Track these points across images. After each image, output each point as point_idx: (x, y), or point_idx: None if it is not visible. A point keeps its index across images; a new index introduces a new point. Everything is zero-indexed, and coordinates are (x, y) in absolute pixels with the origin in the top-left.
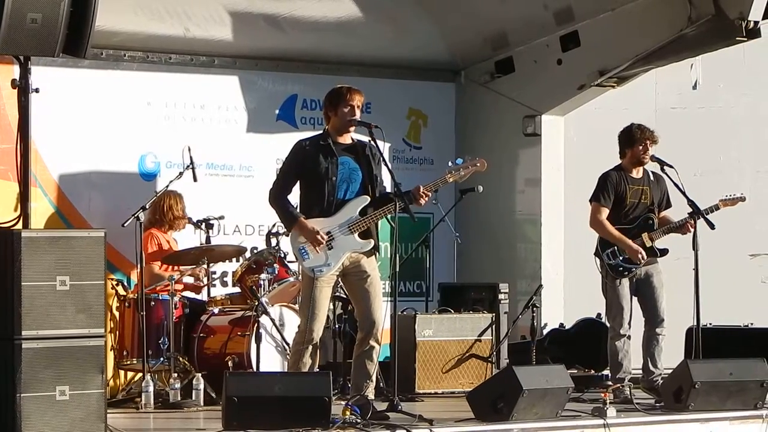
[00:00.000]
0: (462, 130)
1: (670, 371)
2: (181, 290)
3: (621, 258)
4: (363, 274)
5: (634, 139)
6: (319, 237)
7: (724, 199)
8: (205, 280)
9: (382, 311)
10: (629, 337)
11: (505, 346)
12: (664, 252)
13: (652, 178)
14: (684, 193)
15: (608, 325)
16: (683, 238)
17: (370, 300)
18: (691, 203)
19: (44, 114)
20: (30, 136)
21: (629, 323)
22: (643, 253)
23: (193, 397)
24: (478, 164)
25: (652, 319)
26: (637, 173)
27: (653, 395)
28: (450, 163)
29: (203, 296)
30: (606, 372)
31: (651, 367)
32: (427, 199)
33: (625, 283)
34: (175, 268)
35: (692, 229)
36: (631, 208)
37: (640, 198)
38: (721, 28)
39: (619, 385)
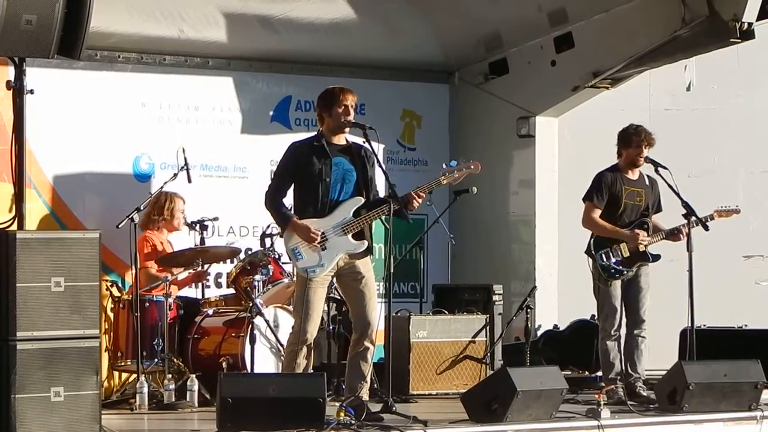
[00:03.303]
0: (456, 131)
1: (664, 372)
2: (185, 283)
3: (614, 260)
4: (357, 275)
5: (629, 141)
6: (312, 234)
7: (719, 210)
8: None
9: (377, 312)
10: (621, 337)
11: (499, 348)
12: (656, 258)
13: (647, 181)
14: (678, 195)
15: (599, 325)
16: None
17: (364, 301)
18: (685, 204)
19: (39, 115)
20: (25, 137)
21: (620, 324)
22: (643, 234)
23: (188, 398)
24: (472, 167)
25: (633, 319)
26: (632, 174)
27: (634, 399)
28: (444, 165)
29: (197, 294)
30: (600, 373)
31: (629, 370)
32: (420, 201)
33: (617, 284)
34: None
35: (684, 237)
36: (626, 209)
37: (635, 200)
38: (715, 30)
39: (612, 386)
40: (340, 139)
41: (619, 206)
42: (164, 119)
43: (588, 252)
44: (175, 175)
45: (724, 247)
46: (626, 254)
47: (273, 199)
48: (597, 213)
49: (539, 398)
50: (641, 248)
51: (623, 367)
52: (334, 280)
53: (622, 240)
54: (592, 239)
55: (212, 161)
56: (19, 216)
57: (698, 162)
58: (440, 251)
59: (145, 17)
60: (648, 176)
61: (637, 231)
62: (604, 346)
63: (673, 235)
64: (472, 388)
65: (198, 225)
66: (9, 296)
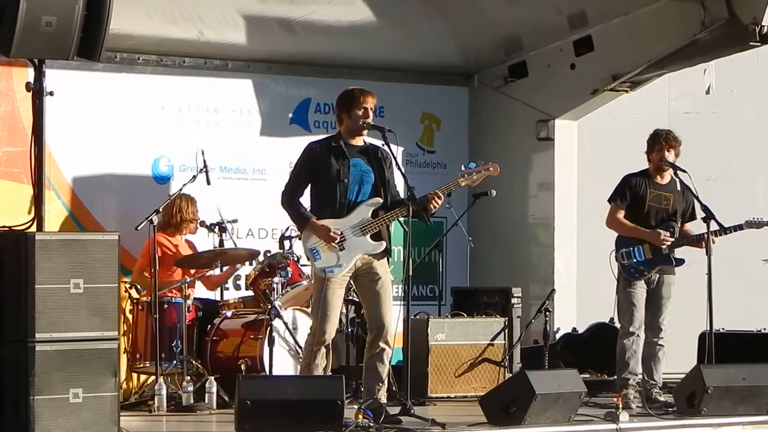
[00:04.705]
0: (475, 134)
1: (682, 376)
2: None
3: (635, 260)
4: (374, 276)
5: (651, 146)
6: (332, 234)
7: (750, 222)
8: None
9: (392, 314)
10: (639, 336)
11: (517, 351)
12: (680, 261)
13: (678, 187)
14: (697, 198)
15: (619, 324)
16: None
17: (380, 302)
18: (704, 208)
19: (58, 117)
20: (44, 139)
21: (640, 325)
22: (666, 233)
23: (206, 400)
24: (491, 169)
25: (651, 326)
26: (661, 179)
27: (650, 404)
28: (463, 167)
29: (216, 297)
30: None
31: (646, 377)
32: (439, 202)
33: (638, 284)
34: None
35: (713, 244)
36: (650, 212)
37: (661, 203)
38: (734, 33)
39: (624, 390)
40: (357, 141)
41: (644, 208)
42: (183, 121)
43: (613, 254)
44: (195, 177)
45: (742, 250)
46: (648, 255)
47: (290, 199)
48: (620, 214)
49: (558, 401)
50: (664, 250)
51: (642, 371)
52: (352, 281)
53: (646, 241)
54: (616, 240)
55: (231, 163)
56: (39, 217)
57: (718, 165)
58: (459, 254)
59: (164, 19)
60: (682, 182)
61: (658, 230)
62: (621, 344)
63: (698, 240)
64: (491, 391)
65: (217, 227)
66: (28, 298)
